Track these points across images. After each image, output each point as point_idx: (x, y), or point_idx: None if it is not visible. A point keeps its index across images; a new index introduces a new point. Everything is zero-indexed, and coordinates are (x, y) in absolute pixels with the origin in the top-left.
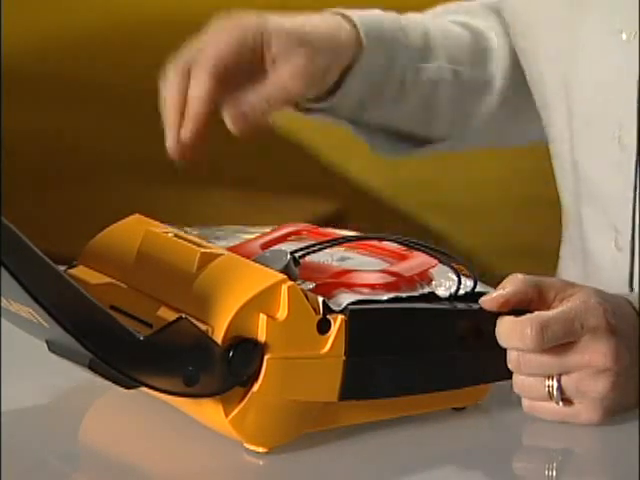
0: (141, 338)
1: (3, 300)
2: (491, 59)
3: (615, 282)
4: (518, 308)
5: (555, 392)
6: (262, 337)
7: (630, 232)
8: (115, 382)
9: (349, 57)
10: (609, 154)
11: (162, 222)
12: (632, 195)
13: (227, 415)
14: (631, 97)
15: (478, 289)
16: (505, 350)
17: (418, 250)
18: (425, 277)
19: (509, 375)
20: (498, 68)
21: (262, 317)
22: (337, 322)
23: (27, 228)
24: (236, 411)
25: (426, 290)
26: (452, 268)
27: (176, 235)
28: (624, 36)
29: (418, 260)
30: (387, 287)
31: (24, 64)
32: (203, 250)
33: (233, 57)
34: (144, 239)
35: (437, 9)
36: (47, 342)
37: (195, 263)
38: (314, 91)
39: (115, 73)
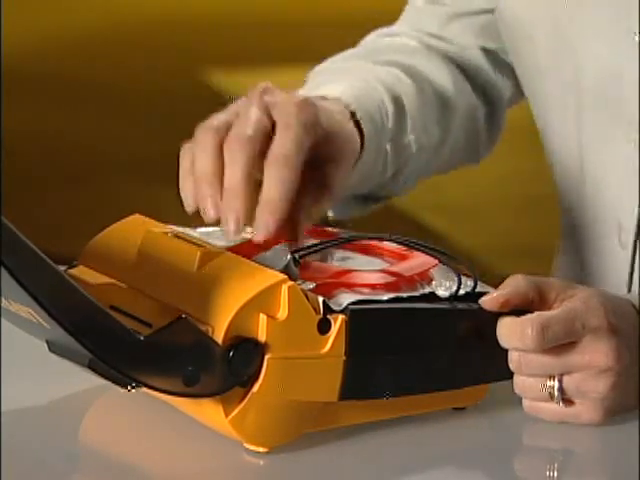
0: (141, 338)
1: (3, 300)
2: (452, 119)
3: (617, 280)
4: (518, 309)
5: (556, 393)
6: (262, 337)
7: (634, 230)
8: (115, 382)
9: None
10: (619, 152)
11: (162, 222)
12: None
13: (227, 415)
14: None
15: (478, 289)
16: (505, 350)
17: (418, 250)
18: (425, 277)
19: (509, 375)
20: (455, 125)
21: (262, 317)
22: (337, 322)
23: (27, 228)
24: (236, 411)
25: (426, 290)
26: (452, 268)
27: (176, 235)
28: (635, 37)
29: (418, 260)
30: (387, 287)
31: (24, 64)
32: (203, 250)
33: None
34: (144, 239)
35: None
36: (47, 342)
37: (195, 263)
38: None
39: (115, 73)
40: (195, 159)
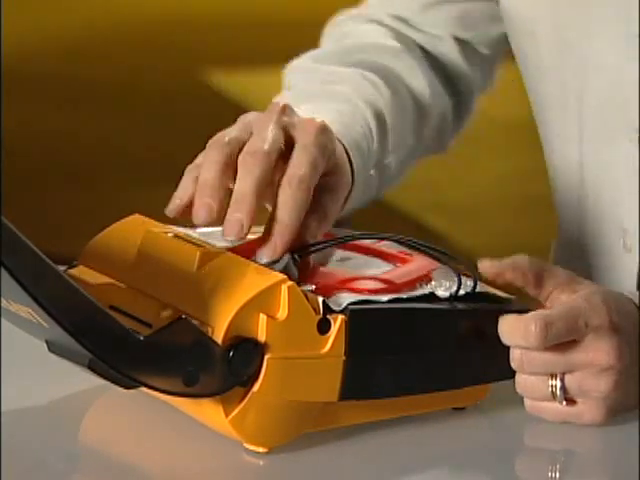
0: (141, 338)
1: (3, 300)
2: (427, 125)
3: (623, 284)
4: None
5: (558, 392)
6: (262, 337)
7: (639, 232)
8: (114, 382)
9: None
10: (621, 154)
11: (162, 222)
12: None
13: (227, 415)
14: None
15: (478, 289)
16: (505, 350)
17: (418, 251)
18: (425, 277)
19: (509, 375)
20: (428, 130)
21: (262, 317)
22: (337, 322)
23: (27, 228)
24: (236, 411)
25: (426, 290)
26: (452, 268)
27: (176, 235)
28: (636, 37)
29: (417, 263)
30: (387, 289)
31: (24, 64)
32: (203, 250)
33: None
34: (144, 239)
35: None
36: (47, 343)
37: (195, 263)
38: None
39: (115, 73)
40: (202, 170)
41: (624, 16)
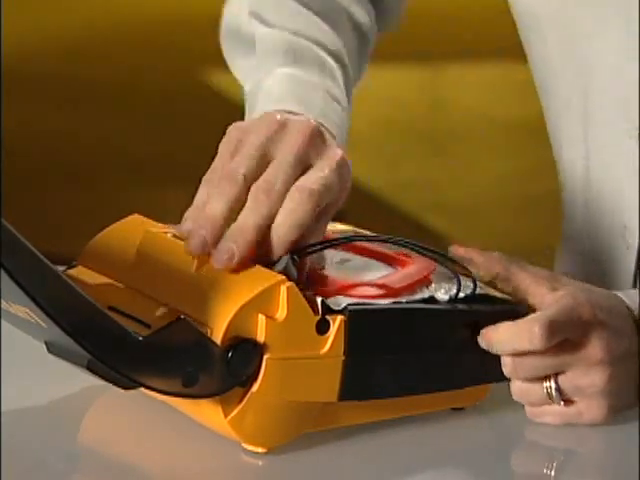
0: (140, 339)
1: (3, 302)
2: (367, 50)
3: (624, 282)
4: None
5: (554, 393)
6: (261, 337)
7: (638, 229)
8: (114, 383)
9: None
10: (623, 151)
11: (161, 222)
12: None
13: (226, 415)
14: None
15: (478, 291)
16: None
17: (417, 253)
18: (424, 280)
19: None
20: (368, 52)
21: (261, 317)
22: (336, 322)
23: (27, 228)
24: (235, 411)
25: (426, 294)
26: (451, 270)
27: (175, 235)
28: (636, 36)
29: (416, 266)
30: (386, 294)
31: (24, 64)
32: None
33: None
34: (143, 239)
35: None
36: (46, 343)
37: (194, 263)
38: None
39: (115, 73)
40: (210, 199)
41: (624, 16)
